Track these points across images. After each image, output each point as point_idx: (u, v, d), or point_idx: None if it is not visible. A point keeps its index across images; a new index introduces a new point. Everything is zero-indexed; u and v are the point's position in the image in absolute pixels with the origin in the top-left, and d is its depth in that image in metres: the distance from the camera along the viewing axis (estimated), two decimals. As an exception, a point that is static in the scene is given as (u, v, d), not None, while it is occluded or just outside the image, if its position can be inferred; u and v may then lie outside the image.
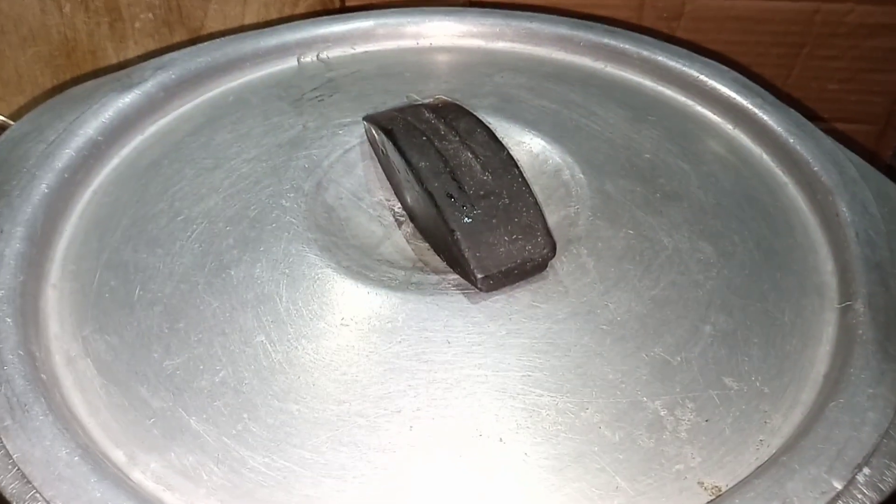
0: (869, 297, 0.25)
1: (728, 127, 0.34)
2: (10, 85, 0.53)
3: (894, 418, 0.21)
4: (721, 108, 0.34)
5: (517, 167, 0.26)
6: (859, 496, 0.20)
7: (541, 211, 0.25)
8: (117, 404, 0.22)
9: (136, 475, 0.21)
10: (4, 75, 0.53)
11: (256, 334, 0.24)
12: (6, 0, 0.49)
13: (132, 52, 0.54)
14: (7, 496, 0.19)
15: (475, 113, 0.29)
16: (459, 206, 0.25)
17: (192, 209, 0.28)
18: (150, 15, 0.53)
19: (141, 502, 0.19)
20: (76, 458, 0.20)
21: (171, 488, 0.20)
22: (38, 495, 0.19)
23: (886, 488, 0.20)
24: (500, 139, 0.27)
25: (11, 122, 0.52)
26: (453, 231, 0.24)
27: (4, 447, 0.20)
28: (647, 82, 0.36)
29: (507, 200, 0.25)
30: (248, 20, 0.54)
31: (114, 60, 0.54)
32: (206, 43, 0.37)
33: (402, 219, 0.29)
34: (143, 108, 0.33)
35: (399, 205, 0.30)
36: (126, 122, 0.32)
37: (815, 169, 0.30)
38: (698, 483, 0.21)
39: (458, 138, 0.27)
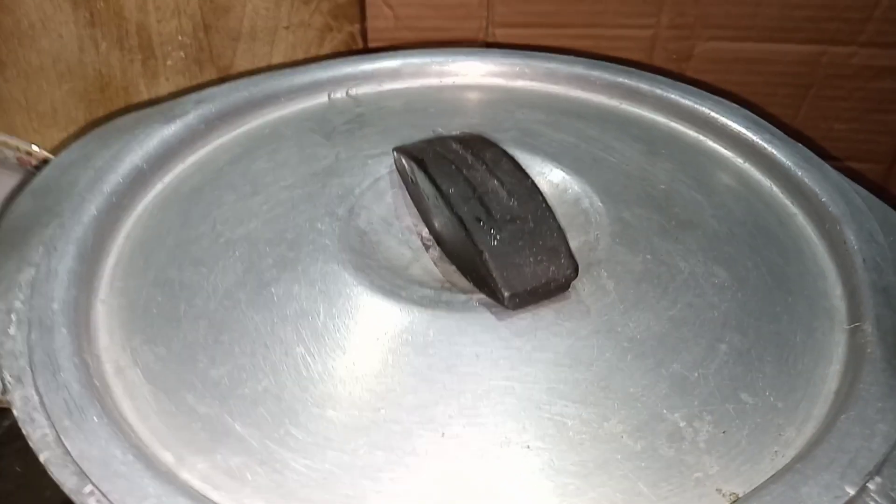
0: (877, 318, 0.26)
1: (738, 161, 0.36)
2: (46, 118, 0.56)
3: (903, 430, 0.22)
4: (732, 142, 0.36)
5: (541, 194, 0.28)
6: (870, 503, 0.21)
7: (564, 235, 0.27)
8: (165, 410, 0.24)
9: (185, 475, 0.22)
10: (41, 109, 0.55)
11: (296, 346, 0.25)
12: (47, 39, 0.52)
13: (163, 89, 0.56)
14: (66, 490, 0.21)
15: (500, 144, 0.31)
16: (487, 230, 0.27)
17: (234, 232, 0.30)
18: (182, 53, 0.55)
19: (190, 499, 0.21)
20: (130, 457, 0.21)
21: (218, 487, 0.22)
22: (95, 489, 0.21)
23: (897, 496, 0.21)
24: (525, 169, 0.29)
25: (50, 156, 0.54)
26: (482, 252, 0.26)
27: (63, 446, 0.22)
28: (661, 119, 0.38)
29: (532, 225, 0.27)
30: (276, 59, 0.57)
31: (145, 96, 0.56)
32: (243, 79, 0.39)
33: (429, 243, 0.31)
34: (185, 139, 0.35)
35: (426, 230, 0.31)
36: (169, 151, 0.34)
37: (823, 200, 0.32)
38: (717, 490, 0.22)
39: (484, 167, 0.29)
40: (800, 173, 0.33)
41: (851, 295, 0.28)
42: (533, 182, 0.28)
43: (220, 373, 0.25)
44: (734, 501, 0.21)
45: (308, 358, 0.25)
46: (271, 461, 0.22)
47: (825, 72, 0.55)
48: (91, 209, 0.30)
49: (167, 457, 0.22)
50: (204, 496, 0.21)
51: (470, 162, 0.29)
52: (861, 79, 0.55)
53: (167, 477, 0.21)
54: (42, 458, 0.21)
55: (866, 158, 0.60)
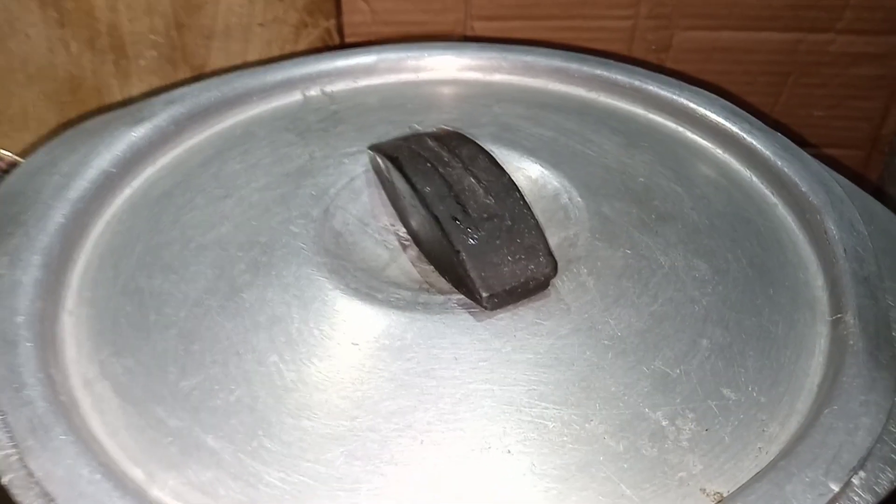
0: (858, 309, 0.26)
1: (718, 151, 0.35)
2: (16, 122, 0.54)
3: (887, 423, 0.22)
4: (710, 133, 0.36)
5: (518, 191, 0.27)
6: (856, 499, 0.20)
7: (542, 232, 0.26)
8: (135, 424, 0.23)
9: (155, 492, 0.21)
10: (11, 113, 0.54)
11: (269, 354, 0.24)
12: (14, 40, 0.51)
13: (136, 90, 0.55)
14: (31, 513, 0.20)
15: (476, 140, 0.30)
16: (464, 229, 0.26)
17: (205, 236, 0.29)
18: (154, 53, 0.54)
19: (162, 517, 0.20)
20: (98, 476, 0.21)
21: (190, 504, 0.21)
22: (61, 512, 0.20)
23: (882, 490, 0.21)
24: (502, 165, 0.29)
25: (20, 159, 0.53)
26: (459, 252, 0.25)
27: (27, 467, 0.21)
28: (639, 110, 0.38)
29: (509, 222, 0.26)
30: (251, 57, 0.56)
31: (118, 97, 0.55)
32: (214, 78, 0.38)
33: (406, 243, 0.30)
34: (155, 141, 0.34)
35: (403, 230, 0.31)
36: (138, 155, 0.33)
37: (804, 189, 0.31)
38: (700, 490, 0.21)
39: (461, 164, 0.28)
40: (779, 163, 0.33)
41: (833, 285, 0.28)
42: (510, 179, 0.28)
43: (191, 384, 0.24)
44: (719, 501, 0.21)
45: (282, 366, 0.24)
46: (245, 475, 0.21)
47: (804, 59, 0.55)
48: (57, 217, 0.29)
49: (137, 474, 0.22)
50: (176, 513, 0.21)
51: (446, 159, 0.29)
52: (839, 66, 0.55)
53: (136, 495, 0.20)
54: (5, 480, 0.20)
55: (845, 145, 0.60)
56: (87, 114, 0.55)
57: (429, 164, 0.28)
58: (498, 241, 0.26)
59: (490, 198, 0.27)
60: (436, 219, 0.26)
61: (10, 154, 0.54)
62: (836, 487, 0.20)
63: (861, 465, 0.21)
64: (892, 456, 0.21)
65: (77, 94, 0.55)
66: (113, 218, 0.31)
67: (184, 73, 0.56)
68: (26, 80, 0.53)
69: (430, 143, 0.30)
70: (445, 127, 0.33)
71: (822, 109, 0.58)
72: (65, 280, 0.28)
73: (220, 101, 0.37)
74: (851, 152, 0.61)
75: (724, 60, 0.56)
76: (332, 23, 0.55)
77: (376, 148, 0.31)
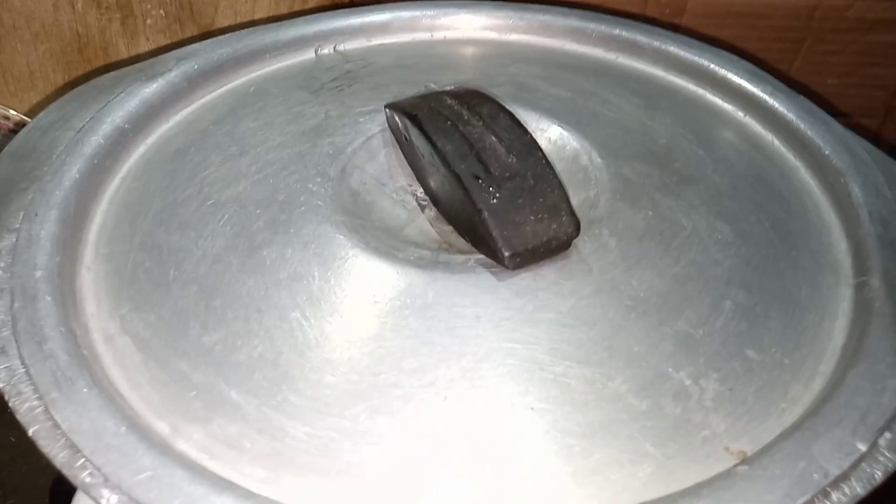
0: (884, 272, 0.25)
1: (739, 114, 0.35)
2: (22, 81, 0.54)
3: (913, 385, 0.22)
4: (732, 96, 0.35)
5: (540, 150, 0.27)
6: (881, 458, 0.20)
7: (565, 191, 0.26)
8: (158, 379, 0.23)
9: (181, 445, 0.21)
10: (16, 71, 0.53)
11: (291, 311, 0.24)
12: (18, -3, 0.50)
13: (143, 49, 0.54)
14: (57, 465, 0.20)
15: (497, 99, 0.29)
16: (486, 188, 0.26)
17: (222, 194, 0.29)
18: (162, 12, 0.53)
19: (188, 470, 0.20)
20: (123, 429, 0.21)
21: (216, 457, 0.21)
22: (87, 463, 0.20)
23: (907, 452, 0.21)
24: (523, 124, 0.28)
25: (27, 119, 0.52)
26: (481, 211, 0.25)
27: (53, 418, 0.21)
28: (659, 72, 0.37)
29: (531, 182, 0.26)
30: (259, 15, 0.55)
31: (125, 57, 0.54)
32: (226, 35, 0.37)
33: (424, 203, 0.30)
34: (168, 98, 0.33)
35: (421, 190, 0.30)
36: (151, 111, 0.33)
37: (827, 153, 0.31)
38: (724, 448, 0.21)
39: (481, 123, 0.28)
40: (802, 126, 0.32)
41: (857, 249, 0.27)
42: (532, 137, 0.27)
43: (213, 339, 0.24)
44: (743, 459, 0.21)
45: (304, 322, 0.24)
46: (269, 429, 0.22)
47: (819, 25, 0.54)
48: (73, 172, 0.29)
49: (162, 427, 0.22)
50: (202, 467, 0.21)
51: (466, 117, 0.28)
52: (856, 32, 0.54)
53: (163, 448, 0.21)
54: (30, 431, 0.20)
55: (859, 113, 0.59)
56: (95, 73, 0.54)
57: (449, 123, 0.28)
58: (520, 201, 0.25)
59: (512, 157, 0.27)
60: (457, 177, 0.26)
61: (16, 113, 0.53)
62: (863, 447, 0.20)
63: (888, 425, 0.21)
64: (918, 417, 0.21)
65: (83, 54, 0.54)
66: (128, 174, 0.31)
67: (191, 32, 0.55)
68: (31, 38, 0.52)
69: (450, 101, 0.29)
70: (465, 85, 0.32)
71: (836, 77, 0.57)
72: (82, 236, 0.28)
73: (232, 59, 0.36)
74: (865, 121, 0.60)
75: (739, 25, 0.55)
76: (342, -19, 0.54)
77: (394, 106, 0.31)
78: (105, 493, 0.19)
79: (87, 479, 0.20)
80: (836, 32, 0.54)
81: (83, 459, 0.20)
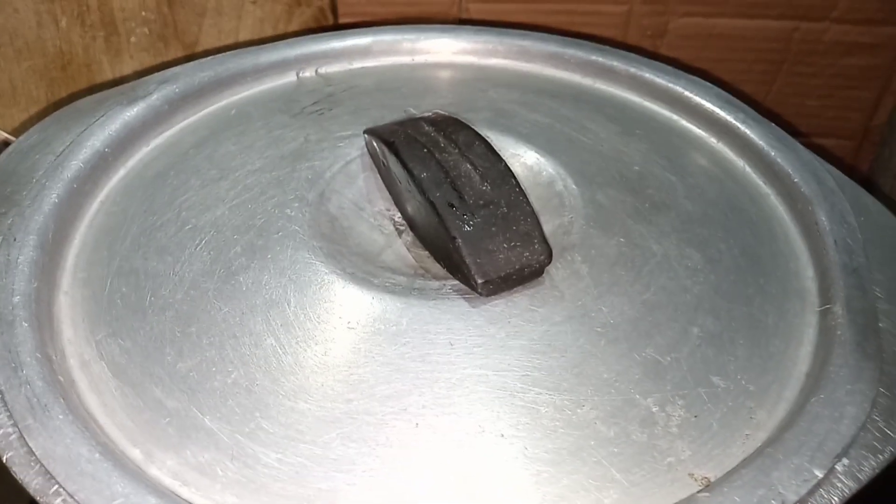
0: (847, 300, 0.26)
1: (712, 140, 0.36)
2: (5, 97, 0.54)
3: (871, 412, 0.22)
4: (705, 122, 0.36)
5: (514, 178, 0.28)
6: (839, 485, 0.21)
7: (537, 219, 0.27)
8: (132, 405, 0.23)
9: (154, 472, 0.22)
10: (-1, 88, 0.53)
11: (266, 337, 0.25)
12: (2, 14, 0.50)
13: (127, 67, 0.55)
14: (31, 491, 0.20)
15: (473, 126, 0.30)
16: (460, 215, 0.26)
17: (200, 218, 0.29)
18: (146, 30, 0.54)
19: (160, 497, 0.20)
20: (97, 455, 0.21)
21: (188, 484, 0.21)
22: (61, 490, 0.20)
23: (864, 477, 0.21)
24: (498, 151, 0.29)
25: (11, 137, 0.52)
26: (455, 238, 0.26)
27: (27, 445, 0.21)
28: (635, 98, 0.38)
29: (505, 209, 0.27)
30: (243, 36, 0.55)
31: (109, 75, 0.55)
32: (207, 58, 0.38)
33: (402, 228, 0.31)
34: (148, 121, 0.34)
35: (399, 214, 0.31)
36: (132, 135, 0.33)
37: (796, 180, 0.32)
38: (689, 474, 0.22)
39: (457, 150, 0.28)
40: (773, 153, 0.33)
41: (823, 276, 0.28)
42: (506, 165, 0.28)
43: (187, 366, 0.24)
44: (706, 486, 0.21)
45: (278, 349, 0.24)
46: (242, 456, 0.22)
47: (798, 48, 0.55)
48: (52, 196, 0.29)
49: (135, 454, 0.22)
50: (174, 493, 0.21)
51: (442, 145, 0.29)
52: (833, 55, 0.55)
53: (136, 475, 0.21)
54: (5, 458, 0.21)
55: (837, 135, 0.60)
56: (78, 90, 0.55)
57: (425, 150, 0.28)
58: (494, 228, 0.26)
59: (486, 184, 0.27)
60: (432, 205, 0.26)
61: (4, 133, 0.53)
62: (820, 474, 0.21)
63: (845, 452, 0.21)
64: (875, 444, 0.22)
65: (67, 71, 0.54)
66: (107, 198, 0.31)
67: (175, 51, 0.55)
68: (14, 54, 0.52)
69: (427, 127, 0.30)
70: (441, 112, 0.33)
71: (814, 99, 0.58)
72: (60, 261, 0.28)
73: (214, 81, 0.36)
74: (843, 142, 0.61)
75: (720, 48, 0.56)
76: (325, 2, 0.55)
77: (372, 132, 0.31)
78: (77, 520, 0.20)
79: (60, 507, 0.20)
80: (813, 55, 0.55)
81: (56, 486, 0.20)
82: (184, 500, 0.21)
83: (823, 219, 0.30)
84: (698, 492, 0.21)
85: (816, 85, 0.57)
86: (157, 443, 0.22)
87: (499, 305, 0.26)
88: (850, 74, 0.56)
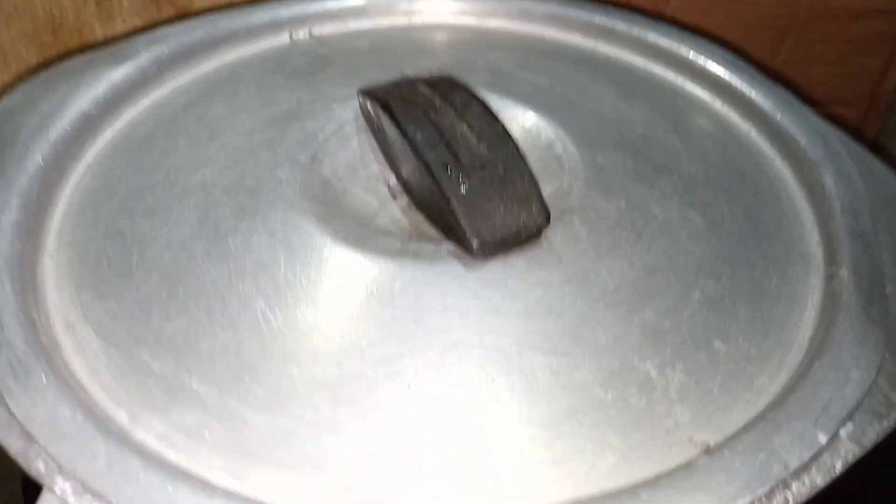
0: (853, 264, 0.25)
1: (717, 104, 0.35)
2: (-5, 61, 0.53)
3: (876, 377, 0.22)
4: (710, 85, 0.35)
5: (512, 139, 0.27)
6: (842, 450, 0.20)
7: (535, 181, 0.26)
8: (118, 367, 0.23)
9: (139, 434, 0.21)
10: (-11, 53, 0.52)
11: (255, 300, 0.24)
12: (-10, -23, 0.49)
13: (119, 30, 0.53)
14: (12, 453, 0.20)
15: (470, 87, 0.29)
16: (455, 177, 0.25)
17: (188, 180, 0.28)
18: (138, -8, 0.52)
19: (145, 459, 0.20)
20: (80, 417, 0.20)
21: (174, 446, 0.21)
22: (42, 452, 0.20)
23: (868, 443, 0.21)
24: (495, 112, 0.28)
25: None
26: (449, 200, 0.25)
27: (7, 407, 0.20)
28: (638, 60, 0.37)
29: (502, 171, 0.26)
30: (237, -1, 0.54)
31: (100, 38, 0.53)
32: (198, 18, 0.37)
33: (396, 191, 0.30)
34: (136, 82, 0.33)
35: (394, 178, 0.30)
36: (119, 96, 0.32)
37: (802, 143, 0.31)
38: (688, 439, 0.21)
39: (453, 111, 0.27)
40: (778, 116, 0.32)
41: (828, 241, 0.27)
42: (503, 126, 0.27)
43: (175, 328, 0.23)
44: (705, 450, 0.21)
45: (268, 312, 0.24)
46: (230, 418, 0.21)
47: (805, 14, 0.54)
48: (36, 158, 0.28)
49: (120, 416, 0.21)
50: (159, 456, 0.20)
51: (438, 106, 0.28)
52: (840, 21, 0.54)
53: (120, 437, 0.20)
54: (-16, 420, 0.20)
55: (843, 102, 0.59)
56: (69, 55, 0.53)
57: (420, 111, 0.28)
58: (490, 190, 0.25)
59: (483, 146, 0.26)
60: (426, 166, 0.26)
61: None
62: (823, 439, 0.20)
63: (849, 417, 0.21)
64: (880, 409, 0.21)
65: (58, 36, 0.53)
66: (94, 160, 0.30)
67: (168, 14, 0.54)
68: (4, 19, 0.51)
69: (422, 88, 0.29)
70: (438, 73, 0.32)
71: (821, 66, 0.57)
72: (44, 223, 0.27)
73: (204, 42, 0.35)
74: (849, 110, 0.60)
75: (725, 13, 0.54)
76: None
77: (366, 93, 0.30)
78: (59, 481, 0.19)
79: (42, 468, 0.19)
80: (821, 21, 0.54)
81: (38, 448, 0.20)
82: (169, 462, 0.20)
83: (830, 182, 0.29)
84: (698, 456, 0.20)
85: (823, 52, 0.56)
86: (142, 405, 0.22)
87: (495, 268, 0.25)
88: (858, 41, 0.55)
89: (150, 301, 0.24)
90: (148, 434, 0.21)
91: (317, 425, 0.21)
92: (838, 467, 0.20)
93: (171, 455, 0.21)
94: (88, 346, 0.23)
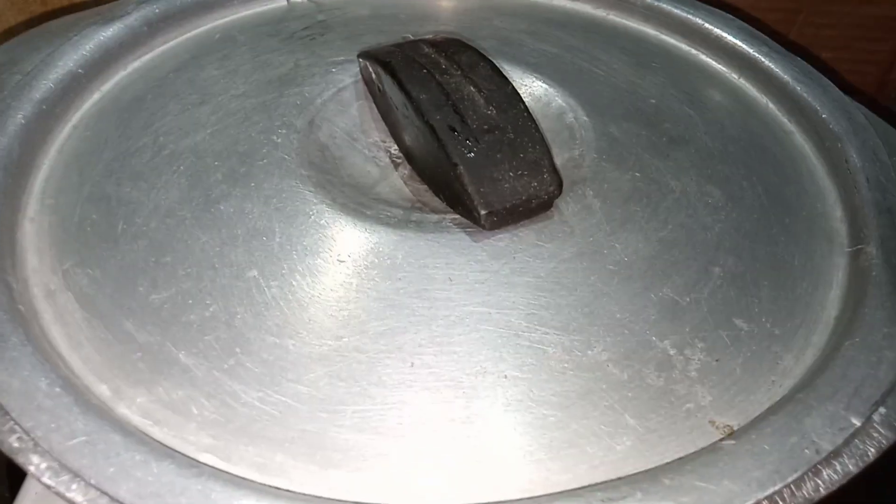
0: (881, 240, 0.24)
1: (733, 75, 0.33)
2: (-19, 30, 0.51)
3: (910, 357, 0.21)
4: (726, 56, 0.34)
5: (522, 102, 0.25)
6: (875, 434, 0.19)
7: (547, 147, 0.24)
8: (101, 338, 0.21)
9: (122, 409, 0.20)
10: (-25, 20, 0.50)
11: (248, 269, 0.23)
12: (-24, -59, 0.47)
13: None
14: (-18, 428, 0.18)
15: (479, 47, 0.28)
16: (462, 140, 0.24)
17: (178, 144, 0.27)
18: (130, -41, 0.50)
19: (126, 435, 0.18)
20: (57, 390, 0.19)
21: (159, 423, 0.19)
22: (15, 426, 0.18)
23: (902, 427, 0.19)
24: (505, 74, 0.26)
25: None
26: (456, 165, 0.23)
27: (-22, 378, 0.19)
28: (651, 30, 0.35)
29: (511, 135, 0.24)
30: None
31: (91, 6, 0.51)
32: (192, -21, 0.35)
33: (398, 160, 0.28)
34: (126, 43, 0.31)
35: (395, 146, 0.29)
36: (108, 56, 0.30)
37: (824, 116, 0.29)
38: (709, 422, 0.20)
39: (459, 72, 0.26)
40: (798, 88, 0.31)
41: (853, 216, 0.26)
42: (514, 88, 0.26)
43: (161, 297, 0.22)
44: (728, 434, 0.19)
45: (262, 281, 0.22)
46: (220, 393, 0.20)
47: (814, -4, 0.52)
48: (18, 118, 0.27)
49: (102, 390, 0.20)
50: (143, 432, 0.19)
51: (444, 66, 0.26)
52: (850, 4, 0.53)
53: (100, 412, 0.19)
54: (-48, 391, 0.19)
55: (850, 89, 0.57)
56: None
57: (424, 71, 0.26)
58: (499, 155, 0.24)
59: (491, 108, 0.25)
60: (431, 129, 0.24)
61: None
62: (857, 422, 0.19)
63: (883, 399, 0.19)
64: (914, 392, 0.20)
65: (48, 4, 0.51)
66: (80, 122, 0.29)
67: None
68: (-10, -17, 0.49)
69: (427, 49, 0.27)
70: (444, 33, 0.30)
71: (830, 51, 0.56)
72: (26, 185, 0.26)
73: (197, 3, 0.33)
74: (856, 97, 0.58)
75: (734, -4, 0.53)
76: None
77: (367, 54, 0.29)
78: (34, 459, 0.18)
79: (15, 444, 0.18)
80: (830, 4, 0.53)
81: (11, 422, 0.18)
82: (154, 439, 0.19)
83: (854, 156, 0.27)
84: (722, 440, 0.19)
85: (832, 36, 0.55)
86: (126, 378, 0.20)
87: (503, 240, 0.24)
88: (869, 25, 0.54)
89: (135, 269, 0.23)
90: (131, 409, 0.20)
91: (312, 401, 0.20)
92: (871, 453, 0.19)
93: (156, 432, 0.19)
94: (70, 315, 0.22)
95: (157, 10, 0.32)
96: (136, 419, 0.19)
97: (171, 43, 0.33)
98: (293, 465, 0.19)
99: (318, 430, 0.19)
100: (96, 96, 0.30)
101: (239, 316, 0.21)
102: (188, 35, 0.33)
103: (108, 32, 0.31)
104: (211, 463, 0.18)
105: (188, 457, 0.18)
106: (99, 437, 0.18)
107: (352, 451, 0.19)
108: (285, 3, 0.35)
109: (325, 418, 0.19)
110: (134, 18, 0.32)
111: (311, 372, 0.20)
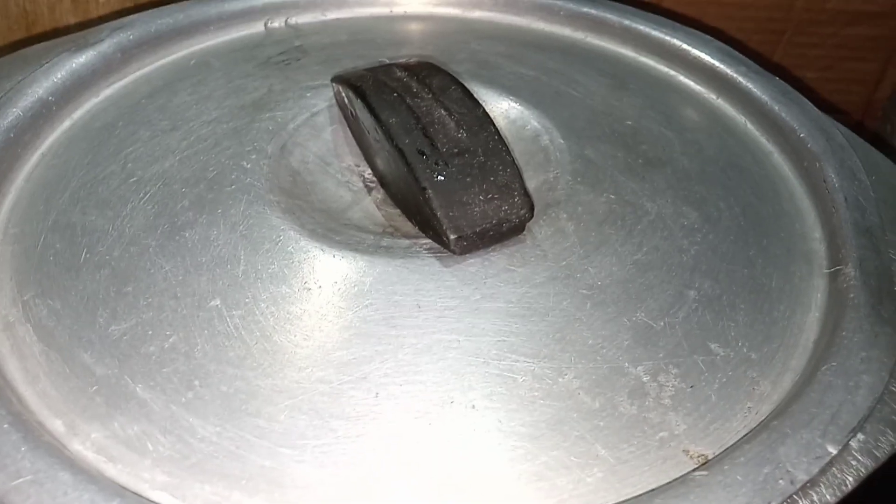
0: (860, 261, 0.23)
1: (711, 96, 0.33)
2: (-33, 60, 0.51)
3: (889, 382, 0.20)
4: (704, 77, 0.33)
5: (493, 125, 0.25)
6: (853, 462, 0.18)
7: (518, 170, 0.24)
8: (58, 371, 0.21)
9: (76, 446, 0.19)
10: (-40, 50, 0.50)
11: (211, 298, 0.22)
12: (-40, -29, 0.47)
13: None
14: (-74, 467, 0.18)
15: (450, 71, 0.27)
16: (432, 164, 0.23)
17: (146, 171, 0.26)
18: (116, -11, 0.50)
19: (76, 474, 0.18)
20: (5, 426, 0.18)
21: (114, 459, 0.19)
22: (-40, 466, 0.17)
23: (881, 455, 0.19)
24: (476, 97, 0.26)
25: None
26: (425, 189, 0.23)
27: (-76, 415, 0.18)
28: (629, 52, 0.35)
29: (482, 158, 0.24)
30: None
31: (75, 29, 0.51)
32: (168, 6, 0.35)
33: (372, 185, 0.28)
34: (99, 70, 0.31)
35: (369, 171, 0.28)
36: (80, 84, 0.30)
37: (802, 136, 0.29)
38: (683, 451, 0.19)
39: (430, 95, 0.26)
40: (777, 108, 0.31)
41: (832, 237, 0.25)
42: (484, 111, 0.25)
43: (121, 329, 0.21)
44: (703, 464, 0.19)
45: (224, 311, 0.22)
46: (176, 428, 0.19)
47: (800, 17, 0.53)
48: (-15, 146, 0.26)
49: (56, 425, 0.19)
50: (95, 470, 0.18)
51: (415, 90, 0.26)
52: (836, 24, 0.53)
53: (50, 449, 0.18)
54: None
55: (837, 109, 0.58)
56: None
57: (395, 95, 0.26)
58: (469, 179, 0.23)
59: (462, 131, 0.24)
60: (401, 153, 0.24)
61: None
62: (833, 450, 0.18)
63: (861, 426, 0.19)
64: (894, 417, 0.19)
65: (32, 32, 0.51)
66: (49, 150, 0.28)
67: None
68: (-26, 14, 0.49)
69: (399, 73, 0.27)
70: (417, 58, 0.30)
71: (815, 71, 0.56)
72: (-10, 214, 0.25)
73: (173, 30, 0.33)
74: (842, 117, 0.58)
75: (719, 15, 0.53)
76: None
77: (339, 78, 0.28)
78: (-22, 500, 0.17)
79: (-41, 485, 0.17)
80: (816, 25, 0.53)
81: (-45, 462, 0.17)
82: (106, 477, 0.18)
83: (832, 176, 0.27)
84: (695, 470, 0.18)
85: (818, 56, 0.55)
86: (81, 413, 0.20)
87: (473, 265, 0.23)
88: (853, 45, 0.54)
89: (96, 299, 0.22)
90: (85, 446, 0.19)
91: (272, 436, 0.19)
92: (850, 482, 0.18)
93: (110, 469, 0.18)
94: (27, 348, 0.21)
95: (131, 37, 0.32)
96: (91, 456, 0.19)
97: (146, 69, 0.32)
98: (250, 503, 0.18)
99: (278, 466, 0.19)
100: (67, 123, 0.29)
101: (199, 347, 0.21)
102: (163, 61, 0.33)
103: (81, 59, 0.31)
104: (164, 502, 0.18)
105: (140, 495, 0.18)
106: (46, 476, 0.17)
107: (311, 487, 0.18)
108: (263, 28, 0.35)
109: (284, 453, 0.19)
110: (107, 45, 0.31)
111: (271, 405, 0.20)
